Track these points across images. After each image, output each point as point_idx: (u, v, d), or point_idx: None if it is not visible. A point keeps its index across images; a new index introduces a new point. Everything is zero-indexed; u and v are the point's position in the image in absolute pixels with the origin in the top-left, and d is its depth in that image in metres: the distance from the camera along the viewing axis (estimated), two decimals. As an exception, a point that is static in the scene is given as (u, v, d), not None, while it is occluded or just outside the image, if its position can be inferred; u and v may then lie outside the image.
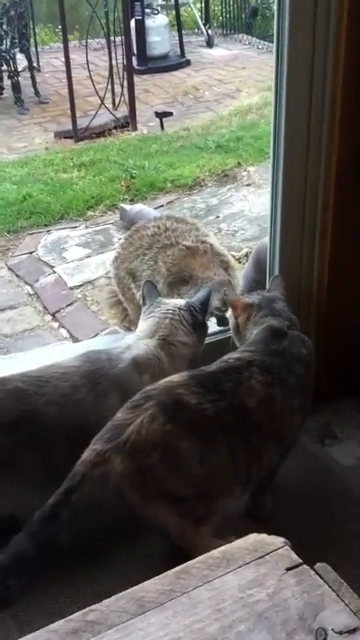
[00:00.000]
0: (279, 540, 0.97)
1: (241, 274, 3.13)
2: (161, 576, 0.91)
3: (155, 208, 4.69)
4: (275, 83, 1.98)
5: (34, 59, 7.64)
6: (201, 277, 2.85)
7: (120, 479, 1.56)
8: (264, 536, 0.98)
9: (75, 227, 4.75)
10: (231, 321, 2.00)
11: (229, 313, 2.06)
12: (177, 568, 0.92)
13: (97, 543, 1.75)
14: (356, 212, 2.11)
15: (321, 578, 0.93)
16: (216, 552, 0.94)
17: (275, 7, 1.94)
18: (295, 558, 0.96)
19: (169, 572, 0.91)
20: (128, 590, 0.89)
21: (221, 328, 2.54)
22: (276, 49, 1.94)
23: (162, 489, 1.59)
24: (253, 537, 0.97)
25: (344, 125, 1.98)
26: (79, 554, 1.67)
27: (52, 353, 2.95)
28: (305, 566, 0.95)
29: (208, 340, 2.16)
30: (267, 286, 2.15)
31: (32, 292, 4.08)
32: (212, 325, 2.54)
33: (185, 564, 0.92)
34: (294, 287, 2.15)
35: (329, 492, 2.04)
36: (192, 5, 9.23)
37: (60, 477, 1.60)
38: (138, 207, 4.50)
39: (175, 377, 1.69)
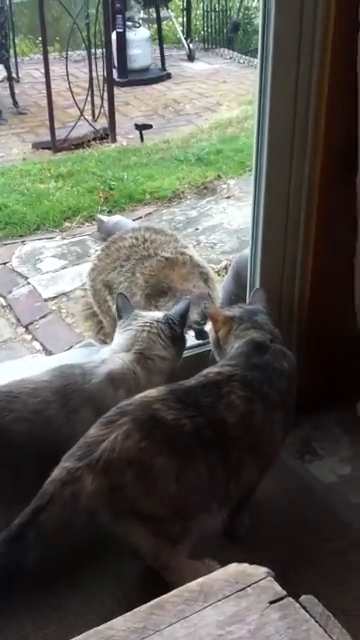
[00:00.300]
0: (261, 570, 0.90)
1: (220, 287, 3.07)
2: (132, 612, 0.82)
3: (133, 220, 4.64)
4: (259, 91, 1.94)
5: (13, 70, 7.57)
6: (180, 289, 2.78)
7: (91, 499, 1.49)
8: (245, 566, 0.90)
9: (51, 238, 4.67)
10: (211, 335, 1.95)
11: (209, 326, 2.00)
12: (150, 603, 0.84)
13: (66, 563, 1.67)
14: (339, 225, 2.07)
15: (307, 612, 0.86)
16: (193, 584, 0.86)
17: (260, 18, 1.89)
18: (279, 590, 0.88)
19: (141, 607, 0.83)
20: (96, 628, 0.81)
21: (200, 342, 2.48)
22: (260, 56, 1.90)
23: (136, 509, 1.52)
24: (233, 567, 0.90)
25: (328, 135, 1.94)
26: (47, 575, 1.58)
27: (24, 366, 2.87)
28: (290, 599, 0.87)
29: (186, 354, 2.11)
30: (247, 299, 2.10)
31: (5, 304, 3.98)
32: (190, 339, 2.48)
33: (159, 598, 0.84)
34: (275, 300, 2.11)
35: (309, 510, 1.98)
36: (174, 19, 9.26)
37: (29, 496, 1.52)
38: (116, 218, 4.44)
39: (152, 392, 1.63)
